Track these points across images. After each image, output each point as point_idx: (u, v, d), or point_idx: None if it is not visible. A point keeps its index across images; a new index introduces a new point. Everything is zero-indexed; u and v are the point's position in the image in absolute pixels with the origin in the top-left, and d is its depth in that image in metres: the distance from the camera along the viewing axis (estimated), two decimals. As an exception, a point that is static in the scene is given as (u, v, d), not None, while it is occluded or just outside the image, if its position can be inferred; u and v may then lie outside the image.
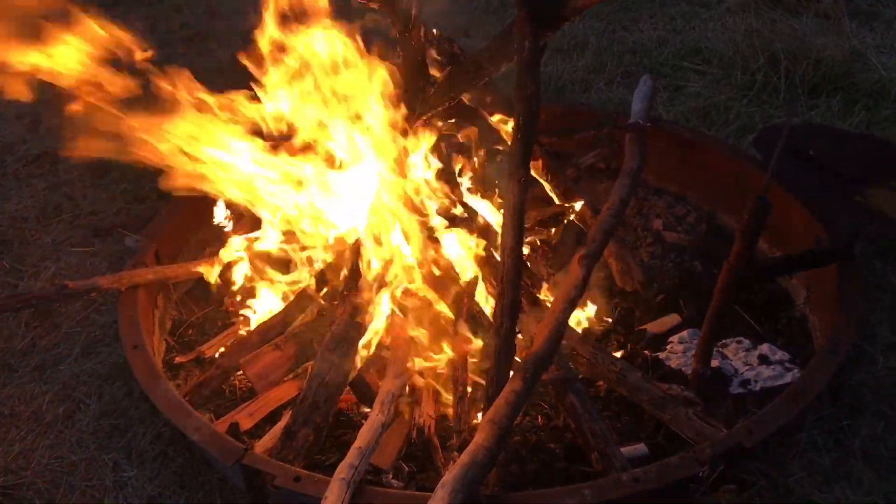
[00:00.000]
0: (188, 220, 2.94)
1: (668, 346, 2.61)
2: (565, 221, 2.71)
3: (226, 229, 2.78)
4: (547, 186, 2.83)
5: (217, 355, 2.60)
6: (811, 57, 4.15)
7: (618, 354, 2.54)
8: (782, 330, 2.67)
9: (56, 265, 3.11)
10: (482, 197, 2.58)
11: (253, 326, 2.64)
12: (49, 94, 4.27)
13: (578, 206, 2.69)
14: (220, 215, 2.72)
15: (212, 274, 2.64)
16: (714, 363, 2.46)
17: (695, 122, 3.98)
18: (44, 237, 3.29)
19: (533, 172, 2.80)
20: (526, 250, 2.88)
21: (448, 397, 2.30)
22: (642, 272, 2.85)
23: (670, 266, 2.96)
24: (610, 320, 2.69)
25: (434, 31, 2.43)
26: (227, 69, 2.57)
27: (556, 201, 2.76)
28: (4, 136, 4.05)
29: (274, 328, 2.55)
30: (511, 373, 2.08)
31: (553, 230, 2.73)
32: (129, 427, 2.40)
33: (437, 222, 2.41)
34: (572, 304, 2.24)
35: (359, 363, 2.33)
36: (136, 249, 2.90)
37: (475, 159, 2.59)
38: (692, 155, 3.23)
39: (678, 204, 3.28)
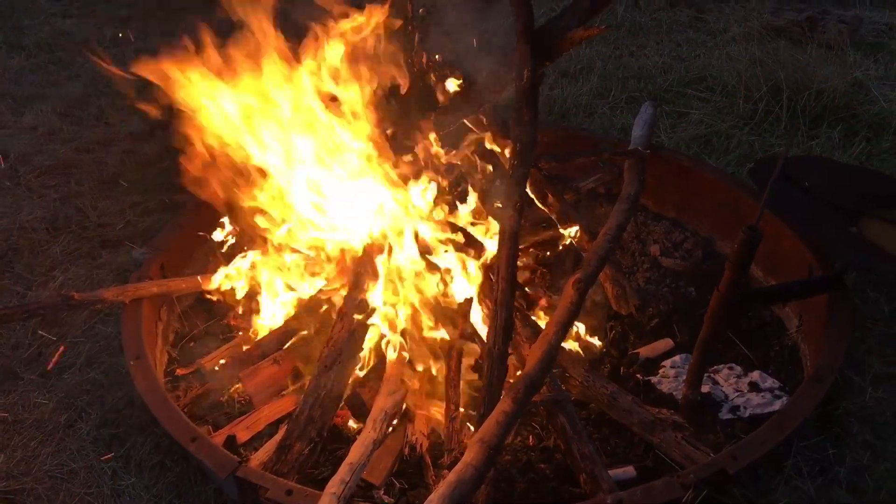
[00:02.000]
0: (194, 234, 3.00)
1: (661, 371, 2.64)
2: (560, 246, 2.75)
3: (227, 244, 2.84)
4: (546, 210, 2.88)
5: (217, 368, 2.65)
6: (813, 87, 4.21)
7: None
8: (774, 357, 2.70)
9: (64, 275, 3.18)
10: (481, 220, 2.63)
11: (253, 340, 2.69)
12: (66, 106, 4.40)
13: (573, 231, 2.74)
14: (220, 235, 2.77)
15: (212, 283, 2.69)
16: (705, 389, 2.50)
17: (696, 150, 4.03)
18: (53, 247, 3.36)
19: (532, 196, 2.86)
20: (524, 273, 2.94)
21: (441, 415, 2.34)
22: (637, 296, 2.89)
23: (665, 291, 3.00)
24: (600, 344, 2.72)
25: (437, 56, 2.49)
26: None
27: (555, 225, 2.81)
28: (19, 147, 4.14)
29: (273, 343, 2.60)
30: (503, 393, 2.13)
31: (548, 254, 2.77)
32: (128, 436, 2.45)
33: (435, 245, 2.46)
34: (565, 327, 2.29)
35: (355, 379, 2.37)
36: (142, 262, 2.96)
37: (475, 183, 2.64)
38: (691, 182, 3.28)
39: (676, 230, 3.32)
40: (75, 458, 2.40)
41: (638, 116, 3.40)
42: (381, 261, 2.44)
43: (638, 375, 2.62)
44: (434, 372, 2.43)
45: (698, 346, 2.35)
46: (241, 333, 2.77)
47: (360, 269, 2.42)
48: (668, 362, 2.67)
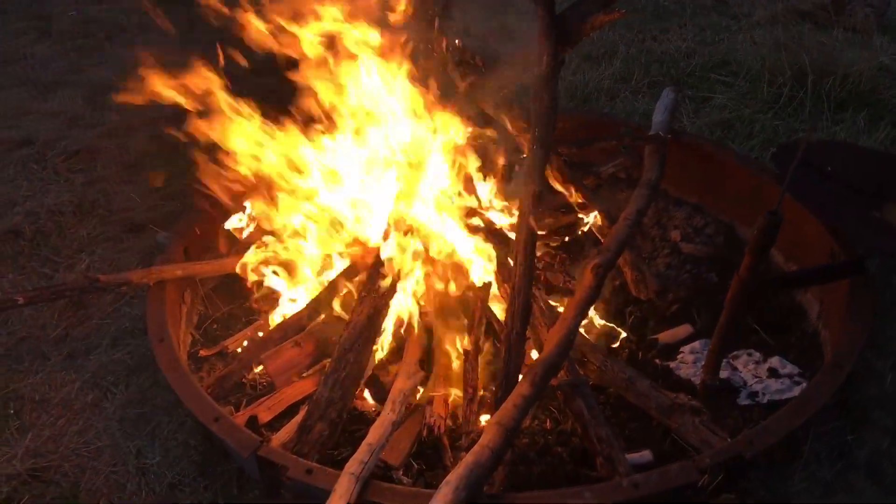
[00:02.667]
0: (217, 217, 3.02)
1: (679, 356, 2.65)
2: (579, 232, 2.76)
3: (247, 230, 2.86)
4: (565, 195, 2.88)
5: (240, 350, 2.70)
6: (838, 72, 4.16)
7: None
8: (794, 343, 2.69)
9: (90, 258, 3.23)
10: (501, 205, 2.64)
11: (275, 323, 2.72)
12: (92, 92, 4.44)
13: (592, 217, 2.74)
14: (237, 220, 2.80)
15: (238, 267, 2.73)
16: (723, 374, 2.50)
17: (719, 134, 4.01)
18: (79, 230, 3.42)
19: (552, 182, 2.86)
20: (544, 258, 2.95)
21: (460, 396, 2.37)
22: (657, 282, 2.88)
23: (686, 277, 3.00)
24: (619, 329, 2.73)
25: (457, 41, 2.50)
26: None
27: (575, 210, 2.81)
28: (46, 132, 4.20)
29: (294, 325, 2.63)
30: (520, 377, 2.15)
31: (567, 239, 2.78)
32: (153, 416, 2.50)
33: (456, 229, 2.47)
34: (583, 311, 2.30)
35: (374, 362, 2.40)
36: (166, 245, 3.00)
37: (495, 168, 2.65)
38: (712, 167, 3.26)
39: (697, 215, 3.31)
40: (101, 437, 2.45)
41: (659, 101, 3.38)
42: (402, 243, 2.46)
43: (656, 361, 2.63)
44: (453, 355, 2.45)
45: (717, 331, 2.35)
46: (263, 316, 2.81)
47: (380, 254, 2.44)
48: (686, 348, 2.67)
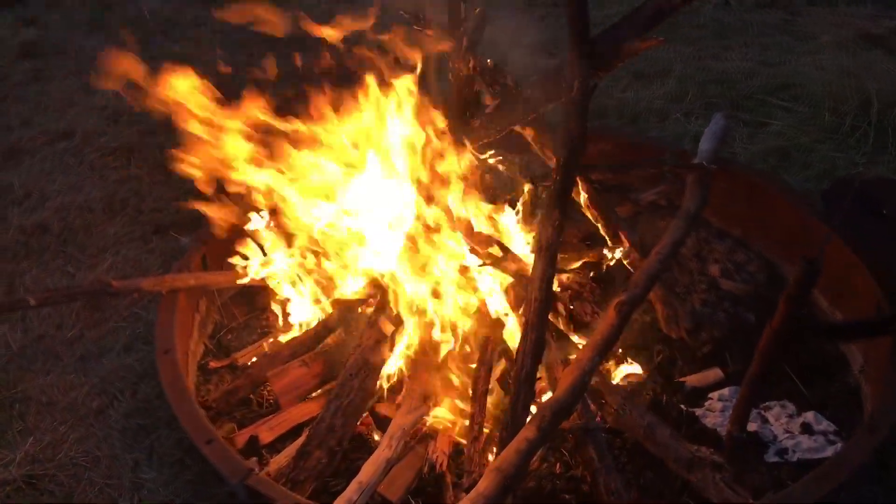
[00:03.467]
0: (238, 226, 2.96)
1: (707, 403, 2.49)
2: (604, 268, 2.62)
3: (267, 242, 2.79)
4: (598, 225, 2.75)
5: (249, 364, 2.63)
6: (906, 103, 3.93)
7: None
8: (834, 396, 2.51)
9: (114, 258, 3.21)
10: (524, 232, 2.52)
11: (286, 339, 2.65)
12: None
13: (619, 253, 2.59)
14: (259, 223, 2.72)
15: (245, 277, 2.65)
16: (752, 427, 2.35)
17: (773, 163, 3.82)
18: (107, 229, 3.41)
19: (585, 210, 2.73)
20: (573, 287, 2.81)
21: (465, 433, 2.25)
22: (690, 319, 2.73)
23: (722, 316, 2.82)
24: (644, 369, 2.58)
25: (488, 61, 2.39)
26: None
27: (602, 243, 2.68)
28: (88, 126, 4.22)
29: (304, 344, 2.56)
30: (528, 419, 2.03)
31: (592, 274, 2.64)
32: (154, 428, 2.45)
33: (472, 259, 2.36)
34: (602, 352, 2.17)
35: (380, 390, 2.31)
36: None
37: (521, 193, 2.54)
38: (759, 200, 3.08)
39: (739, 250, 3.13)
40: (101, 446, 2.41)
41: (708, 128, 3.21)
42: (414, 271, 2.35)
43: (682, 406, 2.47)
44: (462, 389, 2.34)
45: (746, 382, 2.19)
46: (275, 331, 2.74)
47: (391, 277, 2.34)
48: (715, 394, 2.51)
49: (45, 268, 3.17)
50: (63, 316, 2.91)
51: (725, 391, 2.51)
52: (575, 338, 2.49)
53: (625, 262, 2.70)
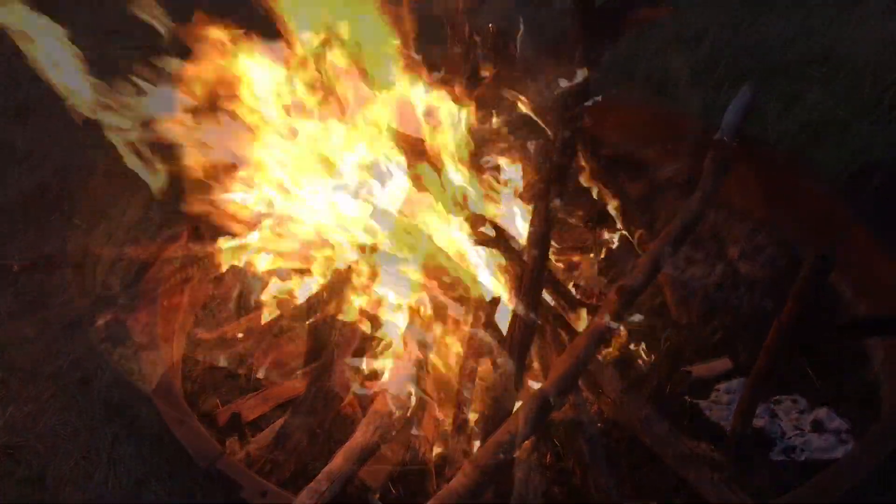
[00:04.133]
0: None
1: (713, 395, 2.35)
2: (603, 253, 2.48)
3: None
4: (609, 205, 2.60)
5: (238, 337, 2.54)
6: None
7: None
8: (850, 392, 2.35)
9: (107, 223, 3.13)
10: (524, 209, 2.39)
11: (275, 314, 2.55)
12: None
13: (616, 237, 2.45)
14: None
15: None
16: (760, 422, 2.22)
17: (804, 139, 3.60)
18: (107, 191, 3.29)
19: (593, 189, 2.58)
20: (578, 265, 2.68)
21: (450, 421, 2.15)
22: (702, 305, 2.59)
23: (736, 302, 2.67)
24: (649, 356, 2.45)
25: (490, 26, 2.23)
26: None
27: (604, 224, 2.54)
28: (97, 84, 4.13)
29: (293, 320, 2.46)
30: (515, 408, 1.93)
31: (591, 255, 2.50)
32: (135, 402, 2.37)
33: (464, 237, 2.24)
34: (599, 340, 2.06)
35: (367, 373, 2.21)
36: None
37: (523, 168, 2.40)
38: (784, 182, 2.89)
39: (761, 233, 2.95)
40: (82, 417, 2.36)
41: (735, 100, 3.03)
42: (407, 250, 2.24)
43: (686, 397, 2.34)
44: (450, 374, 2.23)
45: (752, 378, 2.06)
46: (265, 305, 2.64)
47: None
48: (722, 386, 2.37)
49: (41, 231, 3.11)
50: (56, 281, 2.85)
51: (734, 383, 2.37)
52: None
53: (633, 244, 2.56)
